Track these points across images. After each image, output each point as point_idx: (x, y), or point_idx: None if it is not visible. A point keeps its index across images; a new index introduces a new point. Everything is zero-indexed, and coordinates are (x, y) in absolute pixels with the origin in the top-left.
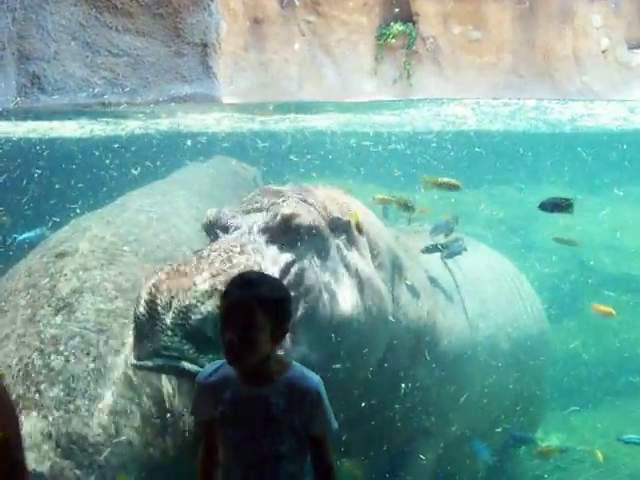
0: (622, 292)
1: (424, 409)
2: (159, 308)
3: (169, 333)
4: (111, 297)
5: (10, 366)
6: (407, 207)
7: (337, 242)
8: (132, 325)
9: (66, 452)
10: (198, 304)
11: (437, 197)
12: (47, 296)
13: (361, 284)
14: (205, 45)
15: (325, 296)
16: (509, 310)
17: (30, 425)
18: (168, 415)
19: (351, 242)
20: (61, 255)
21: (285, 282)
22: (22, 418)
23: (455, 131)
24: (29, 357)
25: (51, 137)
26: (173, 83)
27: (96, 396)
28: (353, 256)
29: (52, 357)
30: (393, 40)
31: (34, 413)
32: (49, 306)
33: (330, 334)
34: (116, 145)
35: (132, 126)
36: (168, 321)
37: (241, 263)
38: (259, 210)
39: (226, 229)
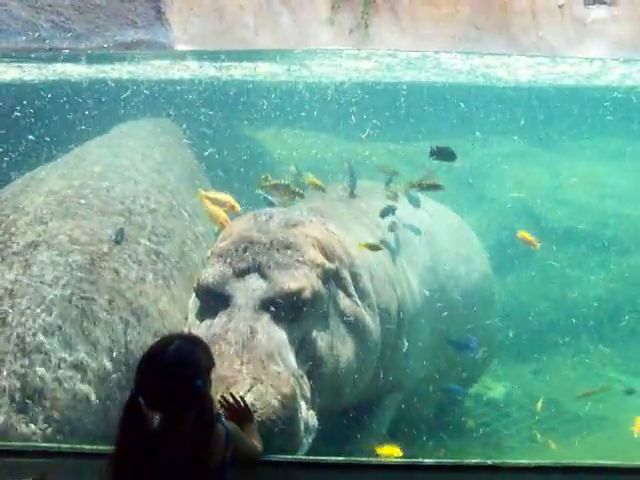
0: (570, 245)
1: (393, 368)
2: None
3: None
4: (68, 250)
5: None
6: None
7: (331, 293)
8: None
9: (21, 406)
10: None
11: (392, 150)
12: (1, 250)
13: (355, 330)
14: None
15: (329, 361)
16: (457, 263)
17: None
18: (125, 369)
19: (339, 286)
20: (15, 208)
21: (302, 358)
22: None
23: (408, 82)
24: None
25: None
26: (123, 29)
27: (51, 350)
28: (344, 302)
29: (7, 311)
30: None
31: None
32: (3, 260)
33: (334, 386)
34: (62, 92)
35: (80, 72)
36: None
37: (274, 371)
38: (250, 270)
39: (219, 297)
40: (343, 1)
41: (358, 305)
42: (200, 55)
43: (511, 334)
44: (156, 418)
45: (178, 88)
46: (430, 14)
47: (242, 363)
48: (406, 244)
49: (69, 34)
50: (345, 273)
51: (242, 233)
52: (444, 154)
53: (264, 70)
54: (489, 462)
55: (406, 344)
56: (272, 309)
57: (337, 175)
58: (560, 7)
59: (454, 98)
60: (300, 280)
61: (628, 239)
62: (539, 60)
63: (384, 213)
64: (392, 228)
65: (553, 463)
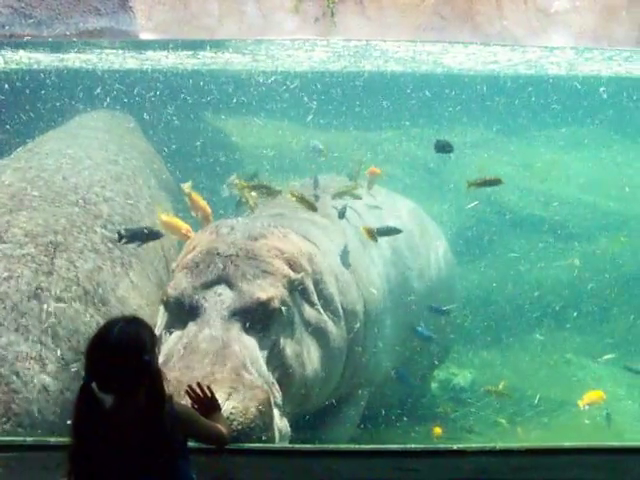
0: (533, 233)
1: (362, 365)
2: None
3: None
4: (21, 243)
5: None
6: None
7: (296, 303)
8: None
9: None
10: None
11: (355, 138)
12: None
13: (320, 337)
14: None
15: (297, 369)
16: (417, 254)
17: None
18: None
19: (304, 297)
20: None
21: (271, 366)
22: None
23: (374, 71)
24: None
25: None
26: (85, 16)
27: (8, 343)
28: (308, 311)
29: None
30: None
31: None
32: None
33: (301, 392)
34: (21, 82)
35: (41, 60)
36: None
37: (248, 379)
38: (217, 282)
39: (188, 308)
40: None
41: (321, 313)
42: (163, 44)
43: (476, 321)
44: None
45: (138, 77)
46: (396, 3)
47: (215, 372)
48: (366, 243)
49: (30, 20)
50: (308, 282)
51: (207, 245)
52: (445, 147)
53: (227, 59)
54: (454, 447)
55: (373, 341)
56: (241, 319)
57: (302, 164)
58: None
59: (419, 87)
60: (268, 290)
61: (592, 226)
62: (503, 49)
63: (341, 214)
64: (341, 214)
65: (517, 446)
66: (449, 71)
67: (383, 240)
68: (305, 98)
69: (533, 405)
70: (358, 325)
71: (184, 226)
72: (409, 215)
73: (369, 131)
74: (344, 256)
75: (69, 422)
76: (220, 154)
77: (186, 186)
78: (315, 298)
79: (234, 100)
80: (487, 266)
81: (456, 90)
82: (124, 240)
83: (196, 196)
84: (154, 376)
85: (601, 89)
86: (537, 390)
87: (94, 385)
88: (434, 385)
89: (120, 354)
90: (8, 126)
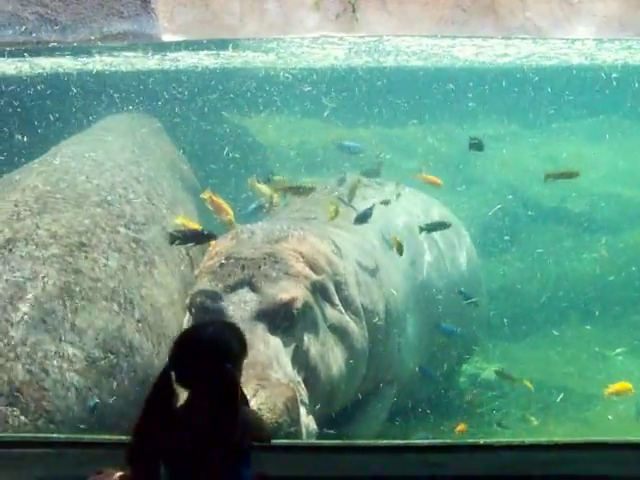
0: (558, 224)
1: (386, 363)
2: None
3: None
4: (46, 244)
5: None
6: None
7: (318, 304)
8: None
9: (10, 399)
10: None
11: (378, 134)
12: None
13: (342, 338)
14: None
15: (321, 369)
16: (439, 253)
17: None
18: (112, 356)
19: (326, 298)
20: None
21: (296, 366)
22: None
23: (395, 66)
24: None
25: None
26: (108, 19)
27: (37, 342)
28: (331, 313)
29: None
30: None
31: None
32: None
33: (327, 391)
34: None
35: (67, 65)
36: None
37: (275, 378)
38: (241, 285)
39: (213, 311)
40: None
41: (343, 314)
42: (186, 45)
43: (503, 315)
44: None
45: (163, 79)
46: None
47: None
48: (387, 239)
49: (56, 26)
50: (329, 284)
51: (229, 250)
52: (477, 145)
53: (248, 57)
54: (482, 442)
55: (396, 339)
56: (266, 320)
57: (327, 162)
58: None
59: (440, 81)
60: (291, 291)
61: (618, 218)
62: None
63: (360, 219)
64: (360, 219)
65: (546, 441)
66: (470, 65)
67: (405, 239)
68: (327, 95)
69: (561, 399)
70: (380, 324)
71: (230, 212)
72: (429, 211)
73: (392, 127)
74: (364, 256)
75: (104, 419)
76: (244, 153)
77: (206, 193)
78: (336, 299)
79: (256, 98)
80: (513, 259)
81: (478, 84)
82: (177, 242)
83: (218, 200)
84: (232, 383)
85: (625, 79)
86: (565, 384)
87: (173, 375)
88: (462, 379)
89: (205, 354)
90: (33, 131)
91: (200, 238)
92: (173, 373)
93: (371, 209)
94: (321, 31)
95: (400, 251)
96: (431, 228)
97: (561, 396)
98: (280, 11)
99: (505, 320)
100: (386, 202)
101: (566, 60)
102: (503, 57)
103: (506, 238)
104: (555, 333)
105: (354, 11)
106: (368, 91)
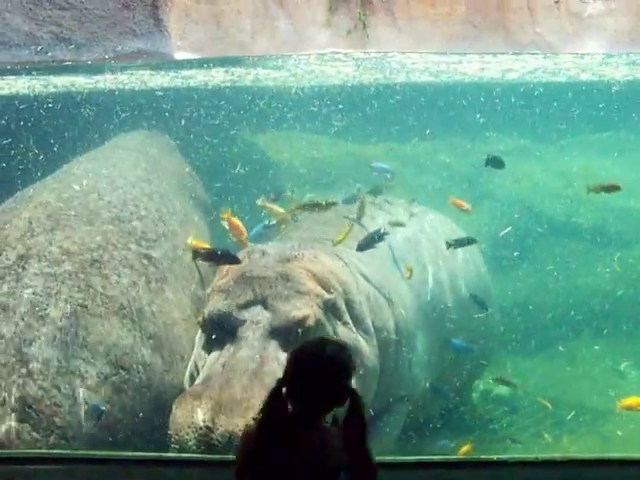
0: (570, 239)
1: (398, 380)
2: (217, 447)
3: None
4: (58, 261)
5: None
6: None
7: (330, 324)
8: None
9: (22, 415)
10: None
11: (390, 150)
12: None
13: (354, 357)
14: None
15: None
16: (448, 271)
17: None
18: (124, 372)
19: (337, 316)
20: (5, 224)
21: None
22: None
23: (404, 82)
24: None
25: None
26: (122, 38)
27: (49, 359)
28: (342, 331)
29: (2, 324)
30: None
31: None
32: None
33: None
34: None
35: (80, 83)
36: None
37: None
38: (253, 303)
39: (226, 329)
40: (340, 2)
41: (354, 332)
42: (198, 63)
43: (516, 330)
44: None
45: (175, 96)
46: (427, 13)
47: (254, 388)
48: (397, 259)
49: (70, 45)
50: (340, 302)
51: (240, 269)
52: (496, 162)
53: (262, 74)
54: (495, 458)
55: (407, 356)
56: (278, 338)
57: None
58: (556, 2)
59: (453, 97)
60: (303, 309)
61: (631, 232)
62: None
63: (365, 245)
64: (365, 245)
65: (560, 457)
66: (480, 80)
67: (412, 257)
68: (338, 112)
69: (575, 415)
70: (390, 342)
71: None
72: (438, 229)
73: (404, 142)
74: (374, 274)
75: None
76: (254, 170)
77: (225, 212)
78: (347, 317)
79: (267, 115)
80: (525, 274)
81: (488, 99)
82: (199, 259)
83: (234, 220)
84: (361, 403)
85: (634, 94)
86: (579, 399)
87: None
88: (474, 395)
89: (328, 373)
90: (46, 148)
91: (225, 259)
92: (285, 390)
93: (375, 235)
94: (332, 48)
95: (410, 275)
96: (458, 244)
97: (574, 412)
98: (291, 28)
99: (518, 335)
100: (397, 224)
101: (575, 75)
102: (512, 72)
103: (518, 253)
104: (567, 348)
105: (365, 28)
106: (379, 107)
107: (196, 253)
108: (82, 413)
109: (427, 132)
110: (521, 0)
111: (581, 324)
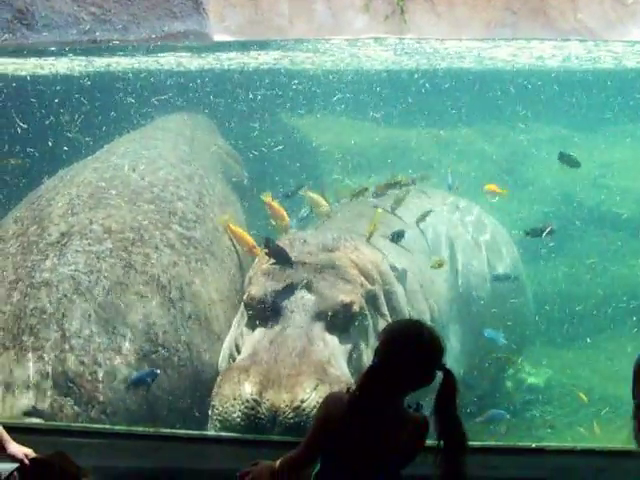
0: (611, 230)
1: None
2: (262, 421)
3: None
4: (100, 239)
5: (4, 312)
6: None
7: (370, 315)
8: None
9: (64, 390)
10: (306, 417)
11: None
12: (36, 242)
13: None
14: None
15: None
16: (483, 260)
17: (27, 366)
18: (163, 350)
19: (376, 307)
20: (48, 202)
21: (349, 369)
22: (17, 360)
23: (446, 68)
24: (22, 301)
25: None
26: (163, 19)
27: (90, 335)
28: (381, 323)
29: (45, 300)
30: None
31: (30, 355)
32: (39, 251)
33: None
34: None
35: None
36: (273, 429)
37: (334, 374)
38: (298, 287)
39: (272, 309)
40: None
41: None
42: (238, 46)
43: (552, 319)
44: None
45: (213, 78)
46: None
47: (302, 365)
48: (432, 250)
49: (110, 26)
50: (380, 294)
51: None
52: (569, 160)
53: (301, 58)
54: (533, 445)
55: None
56: (324, 320)
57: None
58: None
59: (492, 84)
60: (349, 294)
61: None
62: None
63: (395, 238)
64: (395, 239)
65: (598, 447)
66: (521, 67)
67: (448, 247)
68: (377, 96)
69: (612, 407)
70: None
71: (250, 241)
72: (472, 220)
73: (443, 129)
74: (411, 266)
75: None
76: (296, 153)
77: (266, 195)
78: (386, 309)
79: (307, 99)
80: (564, 264)
81: (530, 86)
82: (266, 251)
83: (276, 205)
84: (451, 377)
85: None
86: (616, 391)
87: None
88: (508, 384)
89: (434, 352)
90: (88, 128)
91: (283, 260)
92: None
93: (403, 230)
94: (370, 32)
95: (438, 266)
96: (536, 233)
97: (610, 404)
98: (329, 12)
99: (554, 325)
100: (425, 215)
101: (621, 63)
102: (553, 59)
103: (557, 242)
104: (604, 340)
105: (402, 13)
106: (417, 93)
107: (267, 240)
108: (122, 389)
109: (466, 118)
110: None
111: (619, 315)
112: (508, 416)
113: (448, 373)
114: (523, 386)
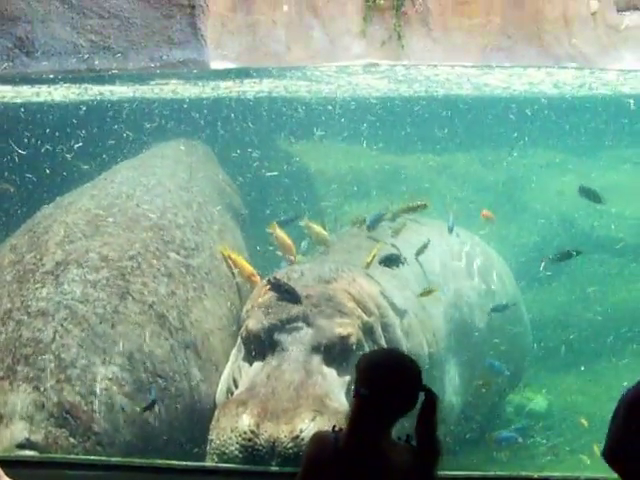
0: (609, 255)
1: None
2: (260, 453)
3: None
4: (97, 267)
5: None
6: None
7: (368, 347)
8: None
9: (60, 421)
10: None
11: (428, 161)
12: (33, 270)
13: None
14: (193, 7)
15: None
16: (479, 292)
17: (21, 397)
18: (160, 381)
19: (373, 340)
20: (45, 229)
21: (347, 401)
22: (12, 390)
23: (444, 94)
24: (17, 330)
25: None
26: (162, 46)
27: (86, 365)
28: None
29: (41, 330)
30: (382, 1)
31: (24, 385)
32: (35, 280)
33: None
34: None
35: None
36: (272, 461)
37: (332, 406)
38: (295, 319)
39: (269, 343)
40: (375, 13)
41: None
42: (234, 73)
43: (552, 344)
44: None
45: (211, 106)
46: (462, 24)
47: (300, 398)
48: (428, 282)
49: (108, 53)
50: (377, 326)
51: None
52: (591, 195)
53: (297, 84)
54: (535, 475)
55: (439, 381)
56: (321, 353)
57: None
58: (593, 14)
59: (488, 110)
60: (346, 327)
61: None
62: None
63: (387, 261)
64: (389, 263)
65: (603, 477)
66: (518, 94)
67: (445, 279)
68: (376, 123)
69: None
70: (424, 368)
71: (248, 269)
72: (469, 250)
73: (440, 155)
74: (407, 299)
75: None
76: (291, 180)
77: (272, 226)
78: (383, 341)
79: (304, 126)
80: (562, 288)
81: (526, 112)
82: (270, 287)
83: (283, 235)
84: (432, 396)
85: None
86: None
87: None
88: (509, 409)
89: (408, 377)
90: (86, 155)
91: (291, 298)
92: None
93: (398, 256)
94: (367, 58)
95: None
96: (562, 257)
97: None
98: (326, 38)
99: (554, 351)
100: (423, 248)
101: (616, 88)
102: (547, 84)
103: (555, 266)
104: (605, 364)
105: (399, 38)
106: (416, 119)
107: (270, 282)
108: (119, 420)
109: (462, 144)
110: (557, 11)
111: (618, 340)
112: (520, 439)
113: (429, 393)
114: (523, 412)
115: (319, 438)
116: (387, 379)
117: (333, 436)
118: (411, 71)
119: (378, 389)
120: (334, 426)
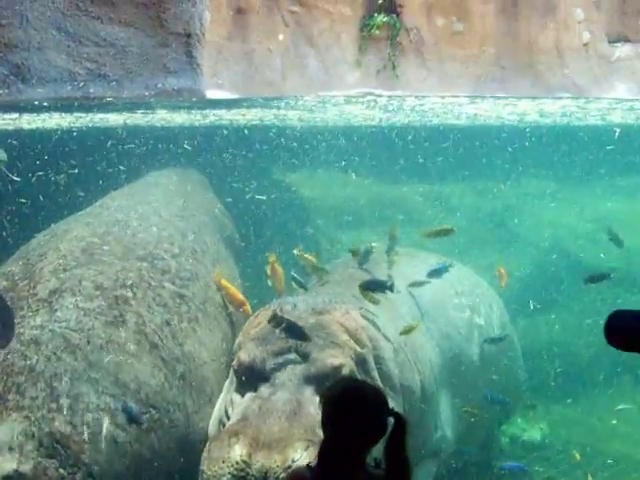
0: (604, 285)
1: (424, 439)
2: None
3: None
4: (91, 296)
5: None
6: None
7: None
8: None
9: (49, 451)
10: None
11: (420, 191)
12: (26, 298)
13: None
14: (189, 35)
15: None
16: (471, 322)
17: (11, 426)
18: (153, 411)
19: (366, 372)
20: (39, 257)
21: None
22: (2, 419)
23: (437, 124)
24: (9, 358)
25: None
26: (157, 75)
27: (79, 395)
28: None
29: (33, 358)
30: (377, 31)
31: (15, 414)
32: (29, 308)
33: None
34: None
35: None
36: None
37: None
38: (288, 351)
39: (261, 374)
40: (370, 42)
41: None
42: (229, 103)
43: (547, 375)
44: None
45: (205, 134)
46: (456, 55)
47: (292, 428)
48: (421, 314)
49: (103, 81)
50: (370, 358)
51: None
52: (615, 239)
53: (291, 114)
54: None
55: (432, 415)
56: (313, 384)
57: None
58: (585, 45)
59: (482, 140)
60: (339, 358)
61: None
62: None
63: (375, 287)
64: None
65: None
66: (511, 123)
67: (436, 312)
68: (368, 152)
69: (610, 464)
70: (416, 400)
71: (239, 298)
72: (461, 282)
73: (434, 184)
74: (400, 332)
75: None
76: (288, 209)
77: (271, 255)
78: (376, 373)
79: (298, 155)
80: (558, 319)
81: (520, 142)
82: (274, 323)
83: (277, 268)
84: (401, 418)
85: None
86: (612, 447)
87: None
88: (504, 440)
89: (375, 405)
90: (81, 183)
91: (297, 335)
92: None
93: (384, 282)
94: (362, 88)
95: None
96: (595, 280)
97: (610, 460)
98: (321, 67)
99: (549, 380)
100: (417, 283)
101: (607, 118)
102: (543, 115)
103: (550, 297)
104: (601, 394)
105: (394, 68)
106: (409, 148)
107: (274, 318)
108: (110, 450)
109: (456, 174)
110: (550, 42)
111: (614, 369)
112: (527, 469)
113: (398, 416)
114: (518, 442)
115: (295, 476)
116: (350, 417)
117: (310, 473)
118: (407, 101)
119: (343, 428)
120: (308, 463)
